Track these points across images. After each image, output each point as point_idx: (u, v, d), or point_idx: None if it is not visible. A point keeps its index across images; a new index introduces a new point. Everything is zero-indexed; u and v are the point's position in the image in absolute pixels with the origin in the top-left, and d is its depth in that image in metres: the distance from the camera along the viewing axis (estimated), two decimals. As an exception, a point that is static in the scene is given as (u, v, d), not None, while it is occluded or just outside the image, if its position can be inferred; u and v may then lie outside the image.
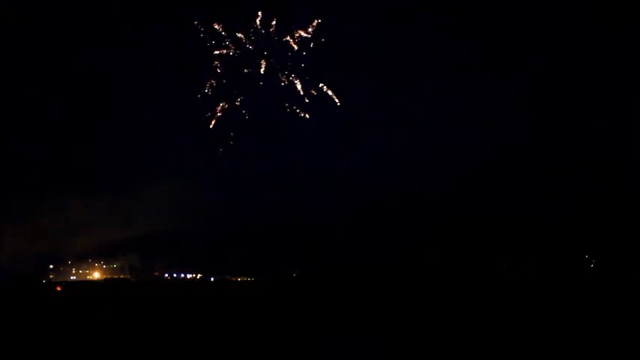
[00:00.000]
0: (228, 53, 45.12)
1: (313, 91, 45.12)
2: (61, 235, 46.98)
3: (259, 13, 44.26)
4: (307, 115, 45.37)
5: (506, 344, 22.02)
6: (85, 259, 52.42)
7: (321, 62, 45.17)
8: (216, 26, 44.55)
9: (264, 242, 48.30)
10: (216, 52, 45.05)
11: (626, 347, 20.96)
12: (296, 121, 45.40)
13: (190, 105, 45.93)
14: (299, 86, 45.17)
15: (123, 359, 21.00)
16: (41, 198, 45.41)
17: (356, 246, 47.13)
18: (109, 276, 52.36)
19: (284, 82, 45.32)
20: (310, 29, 44.47)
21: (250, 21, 44.47)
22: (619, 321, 26.00)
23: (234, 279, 53.24)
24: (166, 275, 53.57)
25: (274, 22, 44.50)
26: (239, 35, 44.80)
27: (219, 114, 45.76)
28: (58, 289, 45.36)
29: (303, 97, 45.23)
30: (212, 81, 45.43)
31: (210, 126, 45.72)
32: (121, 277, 51.87)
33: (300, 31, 44.60)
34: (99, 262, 53.02)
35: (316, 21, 44.37)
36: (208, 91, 45.54)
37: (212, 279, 53.50)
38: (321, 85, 45.02)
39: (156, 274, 53.00)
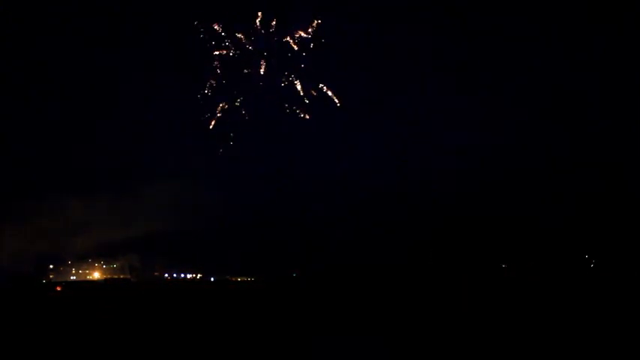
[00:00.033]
0: (228, 53, 45.18)
1: (313, 92, 45.16)
2: (61, 235, 47.01)
3: (259, 14, 44.31)
4: (307, 116, 45.42)
5: (506, 344, 22.01)
6: (85, 259, 52.39)
7: (321, 63, 45.21)
8: (216, 26, 44.59)
9: (264, 242, 48.28)
10: (216, 53, 45.12)
11: (627, 347, 20.96)
12: (296, 121, 45.47)
13: (190, 105, 46.01)
14: (299, 87, 45.23)
15: (123, 359, 21.01)
16: (41, 198, 45.43)
17: (356, 246, 47.13)
18: (109, 276, 52.31)
19: (284, 82, 45.40)
20: (310, 30, 44.57)
21: (250, 21, 44.55)
22: (619, 321, 25.99)
23: (234, 279, 53.20)
24: (166, 275, 53.54)
25: (274, 23, 44.58)
26: (239, 35, 44.85)
27: (219, 114, 45.82)
28: (58, 289, 45.34)
29: (303, 97, 45.28)
30: (212, 81, 45.50)
31: (210, 126, 45.80)
32: (121, 277, 51.83)
33: (300, 32, 44.68)
34: (99, 262, 52.98)
35: (316, 21, 44.45)
36: (208, 92, 45.58)
37: (212, 279, 53.47)
38: (321, 85, 45.08)
39: (156, 274, 52.96)
